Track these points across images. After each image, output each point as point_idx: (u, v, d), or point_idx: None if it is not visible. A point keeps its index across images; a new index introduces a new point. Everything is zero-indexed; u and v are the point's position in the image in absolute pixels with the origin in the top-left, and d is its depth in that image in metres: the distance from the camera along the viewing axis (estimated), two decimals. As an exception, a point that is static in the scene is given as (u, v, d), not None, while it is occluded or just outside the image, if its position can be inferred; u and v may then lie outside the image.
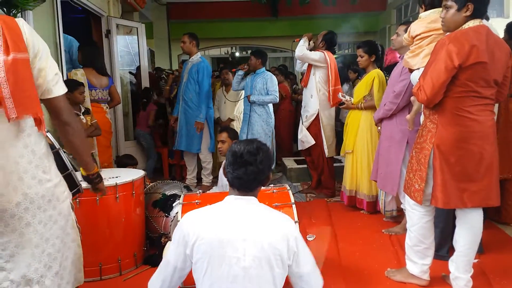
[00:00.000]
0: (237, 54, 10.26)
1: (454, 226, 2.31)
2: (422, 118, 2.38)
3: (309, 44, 4.08)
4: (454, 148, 2.07)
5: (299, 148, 4.33)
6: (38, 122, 1.33)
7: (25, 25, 1.33)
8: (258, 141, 1.59)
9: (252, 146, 1.53)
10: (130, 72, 5.68)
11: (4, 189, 1.29)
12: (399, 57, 3.13)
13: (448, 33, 2.11)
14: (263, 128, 4.30)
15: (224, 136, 3.03)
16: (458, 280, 2.21)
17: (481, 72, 1.99)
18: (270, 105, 4.38)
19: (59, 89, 1.41)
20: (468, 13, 2.03)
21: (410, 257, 2.36)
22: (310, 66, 4.09)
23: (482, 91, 2.03)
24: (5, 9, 2.36)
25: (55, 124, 1.48)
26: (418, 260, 2.31)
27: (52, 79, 1.39)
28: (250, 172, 1.50)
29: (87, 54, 3.82)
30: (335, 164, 4.30)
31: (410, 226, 2.31)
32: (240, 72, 4.42)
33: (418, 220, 2.26)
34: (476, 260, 2.62)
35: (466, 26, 2.05)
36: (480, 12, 2.05)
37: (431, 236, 2.29)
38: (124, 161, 4.09)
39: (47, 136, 1.48)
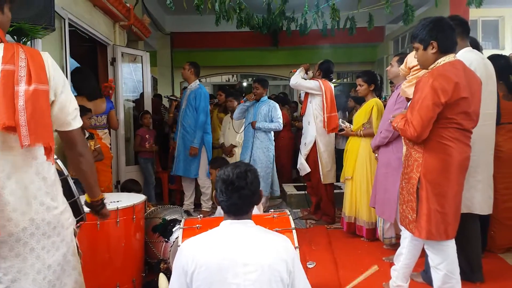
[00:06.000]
0: (244, 84, 10.41)
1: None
2: (404, 148, 2.39)
3: (307, 73, 4.21)
4: (440, 177, 2.08)
5: (301, 173, 4.36)
6: (48, 151, 1.37)
7: (49, 60, 1.41)
8: (244, 163, 1.58)
9: (240, 169, 1.51)
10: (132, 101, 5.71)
11: (13, 214, 1.31)
12: (395, 86, 3.22)
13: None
14: (264, 154, 4.36)
15: (211, 171, 3.11)
16: None
17: (464, 106, 2.05)
18: (272, 132, 4.46)
19: (77, 123, 1.49)
20: (434, 50, 2.10)
21: None
22: (307, 94, 4.21)
23: (464, 123, 2.08)
24: (15, 37, 2.42)
25: (68, 154, 1.53)
26: None
27: (71, 113, 1.46)
28: (244, 197, 1.49)
29: (76, 82, 3.77)
30: (335, 191, 4.31)
31: (436, 265, 2.15)
32: (248, 103, 4.46)
33: (447, 256, 2.13)
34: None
35: (441, 61, 2.09)
36: (448, 47, 2.10)
37: (458, 267, 2.16)
38: (128, 186, 4.11)
39: (56, 162, 1.52)
